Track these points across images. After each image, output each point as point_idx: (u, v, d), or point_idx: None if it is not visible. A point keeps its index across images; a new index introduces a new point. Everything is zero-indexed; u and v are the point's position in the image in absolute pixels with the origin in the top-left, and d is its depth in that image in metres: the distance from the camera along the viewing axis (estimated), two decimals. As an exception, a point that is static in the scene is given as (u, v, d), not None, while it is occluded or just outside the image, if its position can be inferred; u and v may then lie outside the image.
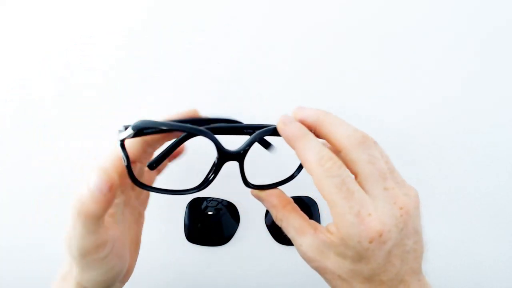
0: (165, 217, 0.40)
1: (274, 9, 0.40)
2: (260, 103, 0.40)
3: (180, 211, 0.40)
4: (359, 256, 0.23)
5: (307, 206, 0.40)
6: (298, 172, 0.29)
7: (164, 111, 0.39)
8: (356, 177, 0.24)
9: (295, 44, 0.40)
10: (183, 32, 0.40)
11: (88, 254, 0.23)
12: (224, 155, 0.26)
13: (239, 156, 0.26)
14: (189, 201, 0.40)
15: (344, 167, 0.23)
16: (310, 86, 0.40)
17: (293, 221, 0.26)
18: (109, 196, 0.22)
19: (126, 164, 0.24)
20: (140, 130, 0.24)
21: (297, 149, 0.24)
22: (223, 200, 0.40)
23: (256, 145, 0.27)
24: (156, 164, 0.27)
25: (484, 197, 0.40)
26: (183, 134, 0.27)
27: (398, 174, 0.25)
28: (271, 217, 0.39)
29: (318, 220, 0.40)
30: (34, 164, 0.40)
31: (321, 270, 0.25)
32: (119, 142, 0.24)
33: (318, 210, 0.40)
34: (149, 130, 0.24)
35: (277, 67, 0.40)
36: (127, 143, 0.25)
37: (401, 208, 0.23)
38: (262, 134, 0.26)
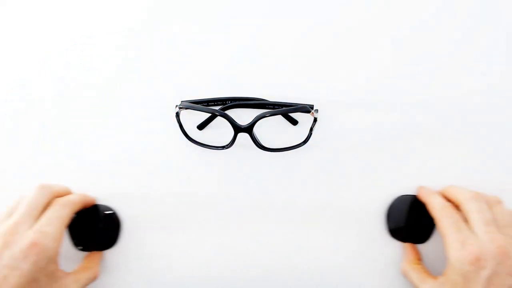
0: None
1: (274, 9, 0.40)
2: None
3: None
4: (465, 280, 0.30)
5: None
6: (305, 143, 0.37)
7: (163, 111, 0.39)
8: (467, 222, 0.33)
9: (295, 43, 0.40)
10: (183, 32, 0.40)
11: None
12: (236, 128, 0.35)
13: (247, 129, 0.35)
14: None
15: (457, 213, 0.34)
16: (310, 86, 0.40)
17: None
18: None
19: (179, 126, 0.37)
20: (182, 107, 0.36)
21: (428, 202, 0.36)
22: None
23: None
24: (201, 127, 0.40)
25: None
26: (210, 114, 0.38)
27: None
28: (396, 207, 0.38)
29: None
30: (34, 164, 0.40)
31: None
32: (175, 114, 0.37)
33: None
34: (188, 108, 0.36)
35: (277, 67, 0.40)
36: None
37: (497, 247, 0.30)
38: (265, 114, 0.34)
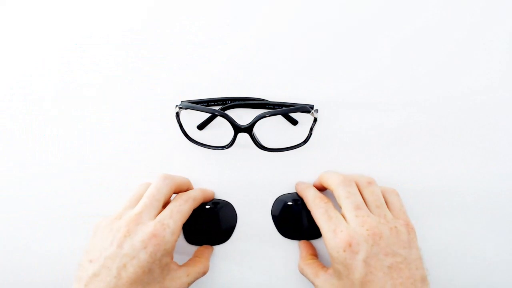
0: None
1: (274, 9, 0.40)
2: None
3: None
4: (345, 267, 0.30)
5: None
6: (305, 143, 0.37)
7: (163, 111, 0.39)
8: (341, 208, 0.33)
9: (295, 43, 0.40)
10: (183, 32, 0.40)
11: None
12: (236, 128, 0.35)
13: (247, 129, 0.35)
14: None
15: (327, 202, 0.34)
16: (310, 86, 0.40)
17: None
18: None
19: (179, 126, 0.37)
20: (182, 107, 0.36)
21: (303, 196, 0.36)
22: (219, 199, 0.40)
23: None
24: (201, 127, 0.40)
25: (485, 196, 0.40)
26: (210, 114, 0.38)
27: (386, 210, 0.33)
28: (276, 208, 0.39)
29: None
30: (34, 164, 0.40)
31: None
32: (175, 114, 0.37)
33: None
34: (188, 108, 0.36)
35: (277, 67, 0.40)
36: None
37: (367, 230, 0.30)
38: (265, 114, 0.34)
